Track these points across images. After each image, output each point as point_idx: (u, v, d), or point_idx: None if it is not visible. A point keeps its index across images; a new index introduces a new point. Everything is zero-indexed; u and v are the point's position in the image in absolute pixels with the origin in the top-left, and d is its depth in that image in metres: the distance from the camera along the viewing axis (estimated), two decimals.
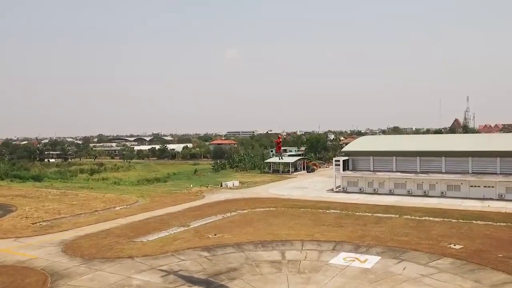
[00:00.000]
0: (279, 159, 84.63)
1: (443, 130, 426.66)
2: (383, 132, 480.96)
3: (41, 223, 59.05)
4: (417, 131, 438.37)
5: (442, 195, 71.89)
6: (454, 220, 54.25)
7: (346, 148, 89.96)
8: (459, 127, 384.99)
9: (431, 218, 55.74)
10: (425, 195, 73.23)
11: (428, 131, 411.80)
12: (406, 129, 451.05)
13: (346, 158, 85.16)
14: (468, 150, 74.67)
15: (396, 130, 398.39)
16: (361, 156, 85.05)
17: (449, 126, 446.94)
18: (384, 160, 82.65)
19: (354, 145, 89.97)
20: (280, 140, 39.32)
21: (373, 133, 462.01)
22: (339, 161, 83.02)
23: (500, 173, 71.26)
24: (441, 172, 76.34)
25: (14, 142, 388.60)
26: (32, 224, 58.55)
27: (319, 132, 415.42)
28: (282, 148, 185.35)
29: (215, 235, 49.14)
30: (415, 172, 78.32)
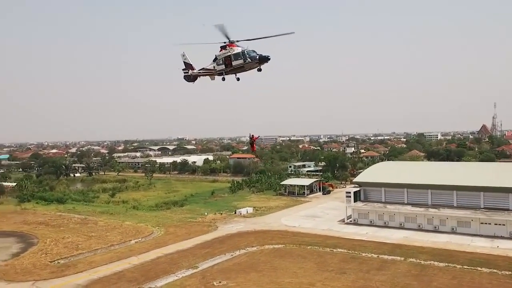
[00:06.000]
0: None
1: (470, 135, 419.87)
2: (408, 136, 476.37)
3: (59, 261, 62.27)
4: (445, 136, 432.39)
5: (453, 231, 71.59)
6: (458, 267, 54.39)
7: (358, 179, 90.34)
8: (486, 134, 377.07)
9: (435, 263, 55.98)
10: (436, 230, 73.08)
11: (454, 136, 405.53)
12: (431, 134, 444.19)
13: (358, 189, 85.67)
14: (480, 186, 74.17)
15: (420, 137, 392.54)
16: (372, 187, 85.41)
17: (477, 130, 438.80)
18: (396, 192, 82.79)
19: (366, 176, 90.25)
20: (255, 138, 39.47)
21: (397, 138, 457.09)
22: (350, 193, 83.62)
23: None
24: (452, 206, 76.03)
25: (44, 150, 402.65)
26: (50, 262, 61.81)
27: (341, 141, 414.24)
28: (302, 162, 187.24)
29: (219, 282, 50.97)
30: (426, 205, 78.24)
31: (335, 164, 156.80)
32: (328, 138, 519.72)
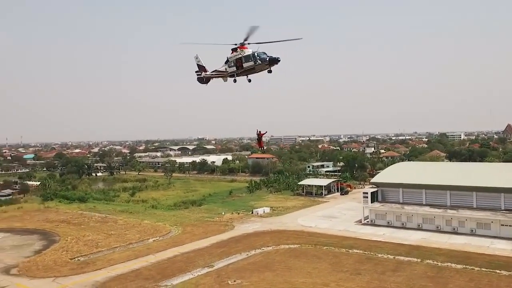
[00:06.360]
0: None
1: (495, 135, 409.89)
2: (430, 135, 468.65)
3: (79, 258, 63.86)
4: (468, 136, 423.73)
5: (472, 233, 70.35)
6: (476, 269, 53.53)
7: (375, 179, 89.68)
8: (511, 133, 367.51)
9: (452, 265, 55.24)
10: (454, 232, 71.96)
11: (478, 136, 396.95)
12: (454, 134, 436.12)
13: (375, 189, 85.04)
14: (500, 187, 72.72)
15: (443, 137, 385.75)
16: (390, 188, 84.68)
17: (502, 130, 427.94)
18: (414, 192, 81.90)
19: (384, 176, 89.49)
20: (262, 134, 39.30)
21: (419, 138, 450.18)
22: (367, 193, 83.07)
23: None
24: (472, 208, 74.75)
25: (67, 150, 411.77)
26: (71, 259, 63.44)
27: (361, 141, 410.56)
28: (320, 163, 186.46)
29: (234, 281, 51.48)
30: (445, 206, 77.13)
31: (354, 164, 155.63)
32: (348, 138, 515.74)
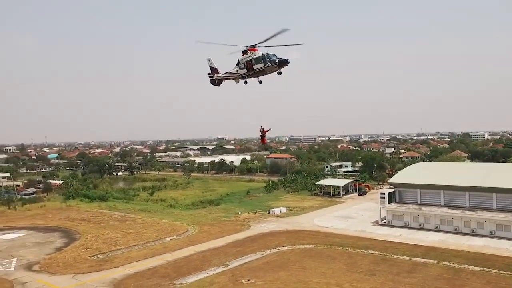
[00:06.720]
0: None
1: None
2: (453, 135, 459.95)
3: (98, 256, 65.36)
4: (492, 135, 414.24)
5: (491, 235, 69.13)
6: (494, 271, 52.70)
7: (393, 180, 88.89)
8: None
9: (470, 267, 54.48)
10: (473, 233, 70.80)
11: (502, 136, 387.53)
12: (478, 134, 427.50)
13: (393, 190, 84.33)
14: None
15: (466, 137, 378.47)
16: (408, 188, 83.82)
17: None
18: (432, 193, 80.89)
19: (401, 177, 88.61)
20: (266, 131, 40.10)
21: (441, 137, 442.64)
22: (384, 194, 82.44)
23: None
24: (491, 209, 73.38)
25: (90, 149, 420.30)
26: (90, 256, 64.98)
27: (382, 140, 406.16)
28: (339, 163, 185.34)
29: (248, 280, 51.96)
30: (464, 207, 75.93)
31: (373, 164, 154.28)
32: (368, 138, 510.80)
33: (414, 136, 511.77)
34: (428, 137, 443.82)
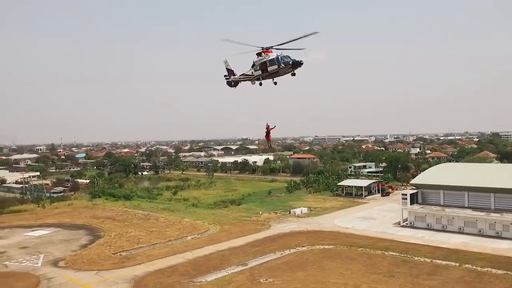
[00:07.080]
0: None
1: None
2: (482, 135, 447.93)
3: (121, 253, 67.05)
4: None
5: None
6: None
7: (415, 181, 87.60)
8: None
9: (493, 271, 53.32)
10: (498, 236, 69.15)
11: None
12: (508, 134, 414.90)
13: (415, 191, 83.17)
14: None
15: (495, 137, 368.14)
16: (430, 189, 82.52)
17: None
18: (455, 195, 79.39)
19: (424, 178, 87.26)
20: (271, 129, 40.39)
21: (469, 138, 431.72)
22: (406, 195, 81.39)
23: None
24: None
25: (117, 149, 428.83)
26: (113, 254, 66.72)
27: (408, 141, 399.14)
28: (363, 163, 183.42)
29: (266, 280, 52.36)
30: (489, 209, 74.21)
31: (397, 165, 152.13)
32: (394, 138, 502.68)
33: (442, 136, 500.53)
34: (456, 137, 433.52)
